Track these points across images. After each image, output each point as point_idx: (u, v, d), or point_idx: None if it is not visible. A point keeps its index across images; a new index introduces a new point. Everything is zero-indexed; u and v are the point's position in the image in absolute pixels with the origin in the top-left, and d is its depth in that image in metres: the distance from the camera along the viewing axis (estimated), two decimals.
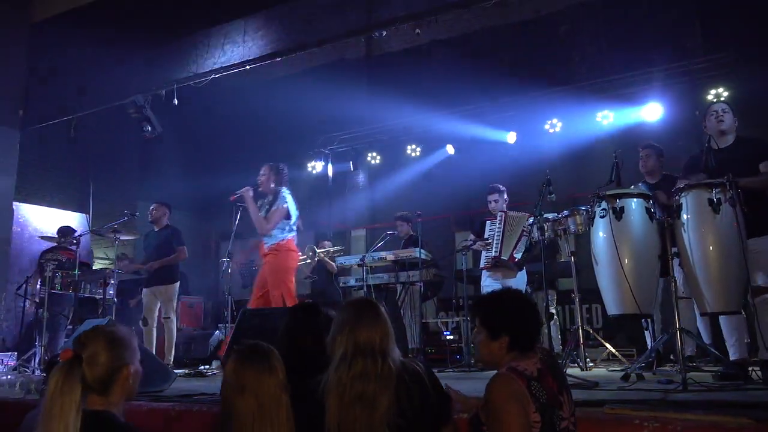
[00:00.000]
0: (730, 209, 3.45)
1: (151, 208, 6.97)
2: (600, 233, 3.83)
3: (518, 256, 5.51)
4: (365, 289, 6.59)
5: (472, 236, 6.02)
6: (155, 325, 6.72)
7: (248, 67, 6.99)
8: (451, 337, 6.76)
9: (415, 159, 9.84)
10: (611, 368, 4.88)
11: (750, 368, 3.75)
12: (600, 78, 8.45)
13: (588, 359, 4.86)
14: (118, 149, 9.67)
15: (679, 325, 3.51)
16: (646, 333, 4.82)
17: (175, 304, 6.85)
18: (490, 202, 5.92)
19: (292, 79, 11.49)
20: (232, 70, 6.84)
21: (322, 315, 2.67)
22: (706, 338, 4.43)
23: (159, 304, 6.72)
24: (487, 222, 5.89)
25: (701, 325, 4.45)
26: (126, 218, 6.97)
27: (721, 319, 3.89)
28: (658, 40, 8.53)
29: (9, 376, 4.37)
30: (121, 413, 1.92)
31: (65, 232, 7.30)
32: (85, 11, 7.38)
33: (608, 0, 8.94)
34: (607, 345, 5.09)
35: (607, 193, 3.86)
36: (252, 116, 10.11)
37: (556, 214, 4.75)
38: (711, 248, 3.49)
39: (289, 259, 5.20)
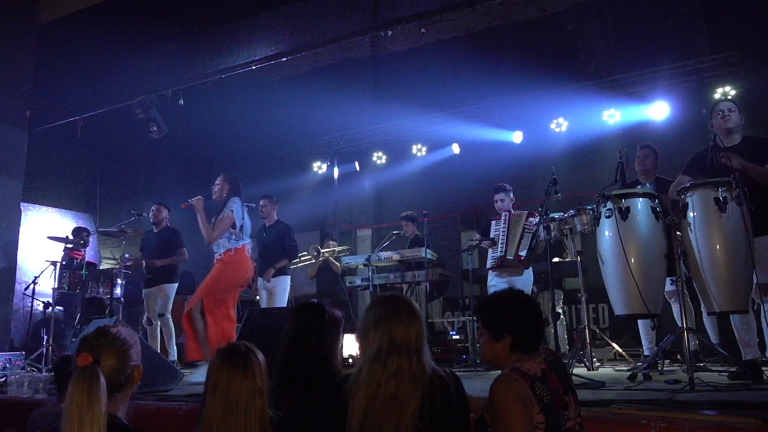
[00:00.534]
0: (736, 208, 3.44)
1: (153, 209, 7.02)
2: (606, 233, 3.82)
3: (523, 253, 5.49)
4: (371, 288, 6.59)
5: (477, 236, 6.01)
6: (159, 324, 6.78)
7: (254, 67, 6.98)
8: (457, 336, 6.76)
9: (421, 158, 9.83)
10: (618, 368, 4.87)
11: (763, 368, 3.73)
12: (606, 77, 8.42)
13: (594, 359, 4.85)
14: (124, 150, 9.71)
15: (686, 325, 3.50)
16: (653, 332, 4.80)
17: (171, 304, 6.90)
18: (497, 202, 5.90)
19: (297, 79, 11.51)
20: (238, 70, 6.85)
21: (327, 315, 2.66)
22: (713, 338, 4.42)
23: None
24: (493, 222, 5.88)
25: (708, 324, 4.44)
26: (133, 218, 7.01)
27: (733, 318, 3.87)
28: (664, 38, 8.50)
29: (17, 375, 4.39)
30: (124, 413, 1.93)
31: (79, 232, 7.35)
32: (92, 12, 7.42)
33: None
34: (614, 345, 5.08)
35: (613, 193, 3.84)
36: (257, 116, 10.13)
37: (562, 213, 4.74)
38: (718, 247, 3.47)
39: (236, 274, 5.16)
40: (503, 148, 9.00)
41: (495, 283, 5.61)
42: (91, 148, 9.53)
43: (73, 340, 6.80)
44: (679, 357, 4.80)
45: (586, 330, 4.77)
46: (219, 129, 10.24)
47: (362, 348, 2.03)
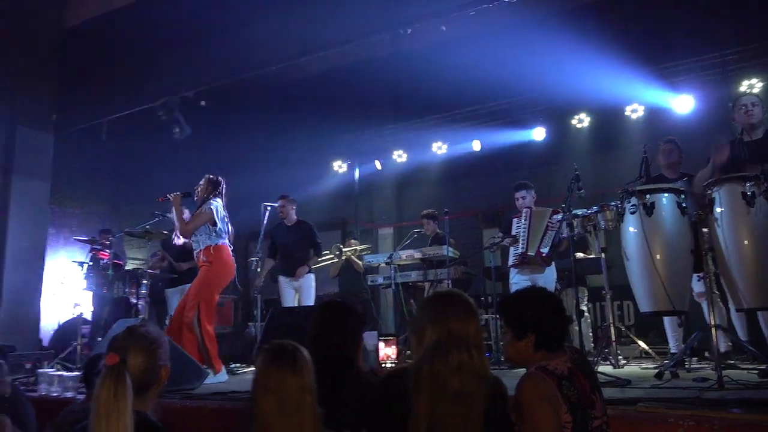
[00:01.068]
0: (765, 203, 3.38)
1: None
2: (630, 229, 3.78)
3: (545, 251, 5.44)
4: (393, 287, 6.60)
5: (500, 234, 5.98)
6: None
7: (273, 68, 7.02)
8: None
9: (442, 156, 9.81)
10: (644, 366, 4.80)
11: None
12: (630, 70, 8.31)
13: (620, 357, 4.80)
14: (148, 152, 9.83)
15: (714, 322, 3.45)
16: (681, 330, 4.73)
17: None
18: (518, 199, 5.85)
19: (316, 79, 11.54)
20: (258, 71, 6.89)
21: (351, 314, 2.65)
22: (741, 335, 4.34)
23: None
24: (514, 219, 5.84)
25: (737, 321, 4.37)
26: (157, 219, 7.09)
27: (760, 315, 3.80)
28: (689, 30, 8.36)
29: (47, 374, 4.48)
30: (153, 412, 1.95)
31: (105, 233, 7.48)
32: (115, 16, 7.52)
33: None
34: (640, 342, 5.01)
35: (637, 188, 3.80)
36: (277, 117, 10.19)
37: (585, 210, 4.69)
38: (746, 243, 3.41)
39: (220, 274, 5.17)
40: (524, 144, 8.95)
41: (517, 280, 5.57)
42: (116, 151, 9.67)
43: (99, 339, 6.92)
44: (706, 354, 4.73)
45: (611, 327, 4.71)
46: (240, 130, 10.31)
47: (417, 344, 1.98)
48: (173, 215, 5.22)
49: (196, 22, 7.05)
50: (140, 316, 6.26)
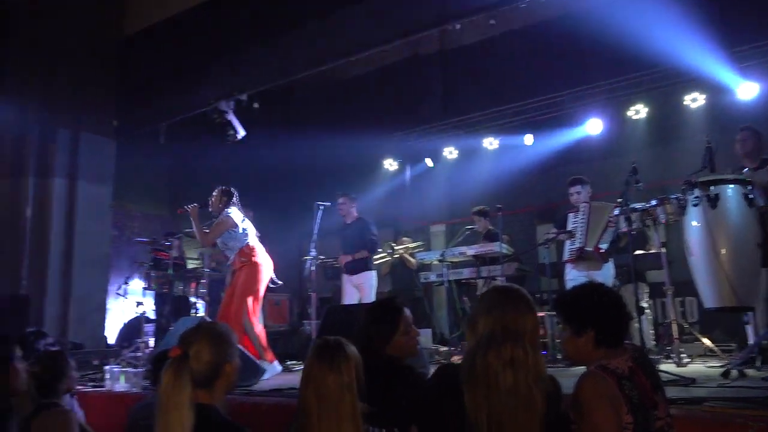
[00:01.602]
0: None
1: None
2: (693, 222, 3.66)
3: (603, 247, 5.29)
4: (446, 284, 6.57)
5: (554, 229, 5.86)
6: None
7: (324, 67, 7.09)
8: None
9: (493, 152, 9.70)
10: (709, 364, 4.63)
11: None
12: (689, 59, 8.00)
13: (683, 355, 4.63)
14: (203, 154, 10.09)
15: None
16: (748, 327, 4.54)
17: None
18: (572, 195, 5.70)
19: (366, 77, 11.60)
20: (310, 71, 6.97)
21: (401, 313, 2.62)
22: None
23: None
24: (570, 214, 5.70)
25: None
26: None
27: None
28: (749, 14, 7.99)
29: (113, 371, 4.66)
30: (223, 407, 2.01)
31: (169, 235, 7.73)
32: (172, 23, 7.75)
33: None
34: (704, 340, 4.83)
35: (701, 180, 3.66)
36: (327, 117, 10.29)
37: (644, 203, 4.55)
38: None
39: (259, 270, 5.32)
40: (578, 138, 8.75)
41: (573, 276, 5.44)
42: (174, 154, 9.95)
43: (163, 336, 7.15)
44: None
45: (674, 324, 4.56)
46: (292, 131, 10.45)
47: (470, 337, 1.98)
48: (193, 226, 5.44)
49: (249, 25, 7.20)
50: (200, 315, 6.44)
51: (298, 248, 11.45)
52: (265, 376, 4.77)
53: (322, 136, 10.44)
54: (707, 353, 4.98)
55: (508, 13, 6.63)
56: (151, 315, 7.64)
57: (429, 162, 10.10)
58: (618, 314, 2.01)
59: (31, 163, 8.05)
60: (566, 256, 5.55)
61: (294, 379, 4.77)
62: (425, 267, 7.61)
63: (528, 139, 9.12)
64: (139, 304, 7.64)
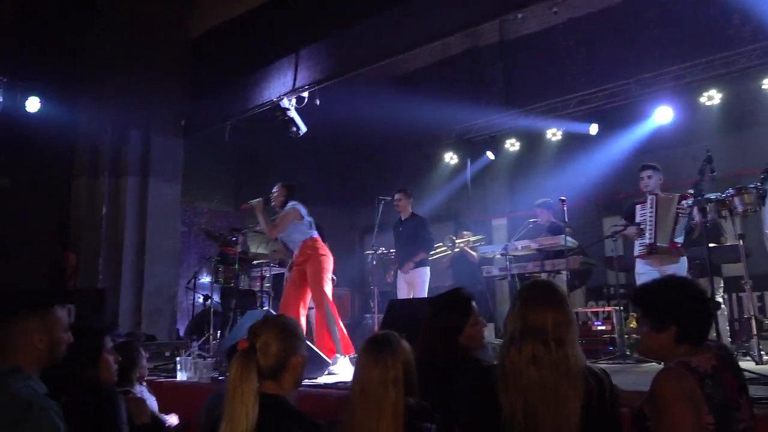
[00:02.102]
0: None
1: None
2: None
3: (679, 240, 5.04)
4: (509, 278, 6.48)
5: (623, 221, 5.64)
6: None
7: (383, 62, 7.09)
8: (603, 327, 6.45)
9: (556, 143, 9.48)
10: None
11: None
12: (765, 41, 7.58)
13: (763, 352, 4.41)
14: (267, 151, 10.31)
15: None
16: None
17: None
18: (642, 179, 5.37)
19: (425, 70, 11.56)
20: (372, 64, 6.99)
21: (464, 304, 2.57)
22: None
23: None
24: (637, 206, 5.46)
25: None
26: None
27: None
28: None
29: (185, 362, 4.82)
30: (293, 399, 2.05)
31: (235, 230, 7.94)
32: (235, 24, 7.95)
33: None
34: None
35: None
36: (388, 111, 10.30)
37: (719, 193, 4.34)
38: None
39: (325, 260, 5.35)
40: (646, 127, 8.44)
41: (644, 271, 5.21)
42: (238, 151, 10.21)
43: (230, 329, 7.36)
44: None
45: (753, 320, 4.35)
46: (353, 126, 10.54)
47: (503, 336, 2.00)
48: (259, 220, 5.49)
49: (309, 23, 7.28)
50: (265, 308, 6.58)
51: (359, 242, 11.58)
52: (336, 370, 4.85)
53: (383, 130, 10.49)
54: None
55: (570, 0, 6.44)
56: (218, 308, 7.87)
57: (490, 155, 9.96)
58: (702, 310, 1.93)
59: (105, 162, 8.42)
60: (637, 251, 5.33)
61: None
62: (487, 261, 7.52)
63: (593, 128, 8.86)
64: (207, 297, 7.90)
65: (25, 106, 7.61)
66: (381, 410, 1.83)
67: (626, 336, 5.77)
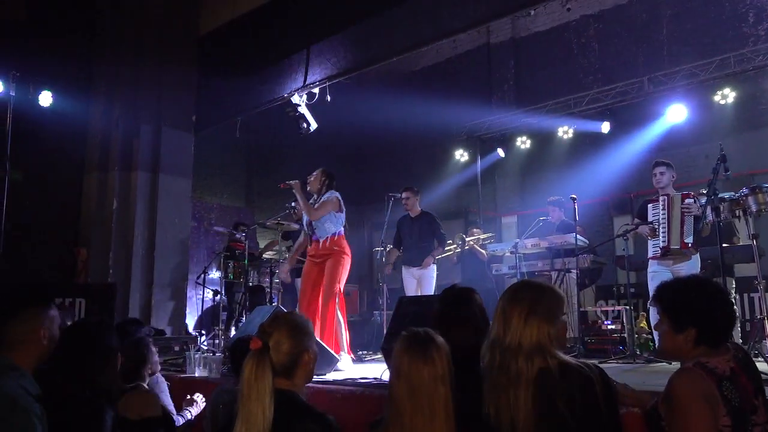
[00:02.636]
0: None
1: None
2: None
3: (689, 240, 5.01)
4: (518, 276, 6.46)
5: (637, 220, 5.58)
6: None
7: (394, 58, 7.07)
8: (613, 326, 6.41)
9: (567, 140, 9.42)
10: None
11: None
12: None
13: None
14: (276, 146, 10.33)
15: None
16: None
17: None
18: (655, 175, 5.30)
19: (436, 67, 11.53)
20: (383, 61, 6.98)
21: (475, 303, 2.55)
22: None
23: None
24: (649, 205, 5.42)
25: None
26: (287, 211, 7.41)
27: None
28: None
29: (194, 357, 4.84)
30: (304, 395, 2.05)
31: (238, 225, 7.96)
32: (247, 18, 7.94)
33: None
34: None
35: None
36: (398, 108, 10.29)
37: (732, 193, 4.30)
38: None
39: (347, 260, 5.31)
40: (659, 125, 8.37)
41: (657, 270, 5.17)
42: (248, 147, 10.24)
43: (239, 324, 7.38)
44: None
45: (765, 321, 4.30)
46: (363, 122, 10.53)
47: None
48: (299, 201, 5.36)
49: (319, 19, 7.27)
50: (274, 304, 6.59)
51: (368, 239, 11.58)
52: (341, 367, 4.85)
53: (393, 127, 10.47)
54: None
55: None
56: (228, 303, 7.89)
57: (500, 152, 9.92)
58: (723, 313, 1.90)
59: (116, 157, 8.45)
60: (651, 253, 5.28)
61: (366, 369, 4.82)
62: (496, 259, 7.50)
63: (605, 127, 8.79)
64: (216, 292, 7.92)
65: (37, 101, 7.64)
66: (434, 410, 1.81)
67: (636, 335, 5.74)
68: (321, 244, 5.32)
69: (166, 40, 8.63)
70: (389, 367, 3.70)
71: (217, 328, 6.66)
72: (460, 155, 10.44)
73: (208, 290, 7.93)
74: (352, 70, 7.07)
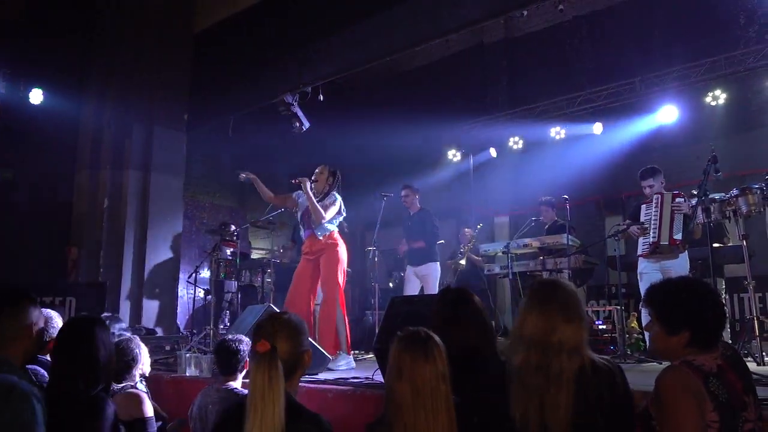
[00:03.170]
0: None
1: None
2: None
3: (678, 237, 5.05)
4: (510, 276, 6.47)
5: (628, 221, 5.61)
6: None
7: (388, 58, 7.07)
8: (604, 326, 6.44)
9: (560, 141, 9.44)
10: None
11: None
12: None
13: (764, 353, 4.40)
14: (269, 145, 10.30)
15: None
16: None
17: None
18: (645, 188, 5.37)
19: (428, 68, 11.52)
20: (376, 62, 6.97)
21: (475, 304, 2.55)
22: None
23: None
24: (643, 206, 5.45)
25: None
26: (280, 210, 7.40)
27: None
28: None
29: (184, 356, 4.81)
30: (295, 394, 2.04)
31: (229, 225, 7.93)
32: (239, 18, 7.93)
33: None
34: None
35: None
36: (391, 108, 10.29)
37: (723, 194, 4.32)
38: None
39: (344, 254, 5.33)
40: (650, 126, 8.41)
41: (648, 270, 5.21)
42: (241, 146, 10.19)
43: (228, 324, 7.36)
44: None
45: (755, 321, 4.33)
46: (356, 121, 10.51)
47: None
48: (306, 200, 5.28)
49: (313, 19, 7.27)
50: (266, 303, 6.57)
51: (360, 238, 11.56)
52: (343, 366, 4.84)
53: (386, 126, 10.46)
54: None
55: None
56: (219, 303, 7.87)
57: (493, 152, 9.94)
58: (714, 314, 1.91)
59: (108, 155, 8.42)
60: (640, 250, 5.32)
61: (358, 369, 4.82)
62: (489, 258, 7.52)
63: (597, 128, 8.83)
64: (207, 292, 7.89)
65: (28, 98, 7.59)
66: (436, 407, 1.81)
67: (627, 335, 5.76)
68: (317, 240, 5.30)
69: (160, 39, 8.61)
70: (381, 367, 3.71)
71: (209, 327, 6.63)
72: (453, 155, 10.45)
73: (199, 289, 7.90)
74: (345, 70, 7.07)
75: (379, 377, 3.74)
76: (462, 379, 1.96)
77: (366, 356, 6.20)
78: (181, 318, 9.12)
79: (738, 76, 7.60)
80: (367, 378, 3.96)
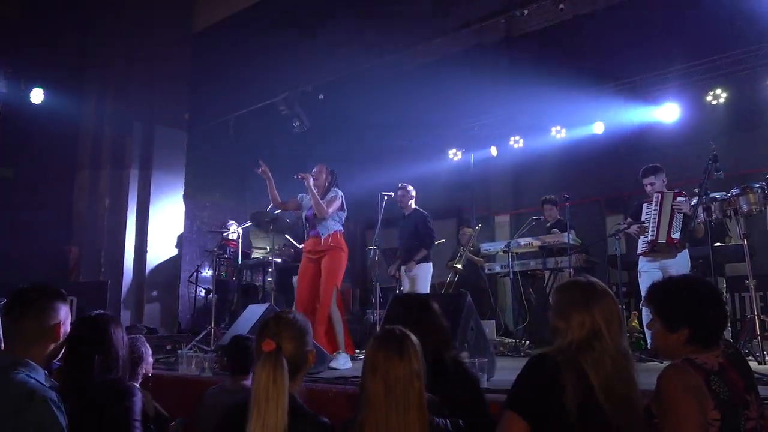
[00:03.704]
0: None
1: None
2: None
3: (676, 236, 5.04)
4: (511, 275, 6.47)
5: (629, 219, 5.60)
6: None
7: (386, 57, 7.08)
8: None
9: (561, 140, 9.43)
10: None
11: None
12: None
13: (765, 352, 4.39)
14: (270, 145, 10.29)
15: None
16: None
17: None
18: (647, 186, 5.36)
19: (429, 66, 11.50)
20: (376, 61, 6.97)
21: (433, 310, 2.57)
22: None
23: None
24: (644, 204, 5.44)
25: None
26: (280, 210, 7.39)
27: None
28: None
29: (186, 355, 4.82)
30: (298, 394, 2.04)
31: (225, 225, 7.95)
32: (240, 18, 7.93)
33: None
34: None
35: None
36: (391, 106, 10.27)
37: (723, 193, 4.32)
38: None
39: (345, 258, 5.34)
40: (651, 124, 8.41)
41: (647, 268, 5.20)
42: (242, 145, 10.20)
43: (226, 322, 7.36)
44: None
45: (756, 320, 4.32)
46: (355, 120, 10.51)
47: (561, 333, 1.94)
48: (310, 195, 5.29)
49: (314, 18, 7.27)
50: (266, 303, 6.57)
51: (361, 237, 11.57)
52: (343, 365, 4.84)
53: (386, 125, 10.45)
54: None
55: None
56: (220, 302, 7.87)
57: (493, 151, 9.93)
58: (716, 312, 1.90)
59: (108, 154, 8.42)
60: (640, 249, 5.32)
61: (355, 367, 4.82)
62: (490, 257, 7.52)
63: (598, 126, 8.82)
64: (208, 291, 7.90)
65: (29, 98, 7.59)
66: (408, 404, 1.81)
67: (628, 334, 5.75)
68: (322, 240, 5.31)
69: (161, 38, 8.61)
70: None
71: (210, 326, 6.63)
72: (454, 154, 10.44)
73: (200, 288, 7.91)
74: (345, 70, 7.07)
75: None
76: (432, 380, 1.98)
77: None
78: (182, 317, 9.12)
79: (739, 75, 7.60)
80: None
